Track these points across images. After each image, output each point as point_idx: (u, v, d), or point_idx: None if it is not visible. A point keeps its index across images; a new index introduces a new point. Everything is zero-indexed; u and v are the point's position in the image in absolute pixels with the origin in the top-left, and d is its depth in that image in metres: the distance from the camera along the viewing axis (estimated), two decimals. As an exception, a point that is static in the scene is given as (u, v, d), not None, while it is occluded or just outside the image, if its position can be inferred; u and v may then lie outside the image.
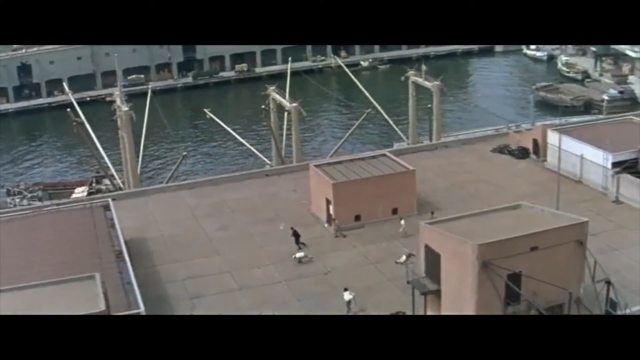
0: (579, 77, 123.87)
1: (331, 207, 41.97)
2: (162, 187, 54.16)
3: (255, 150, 74.34)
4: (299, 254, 38.50)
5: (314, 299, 35.19)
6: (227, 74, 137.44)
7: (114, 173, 70.45)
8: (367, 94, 78.66)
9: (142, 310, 30.32)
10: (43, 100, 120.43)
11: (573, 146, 45.67)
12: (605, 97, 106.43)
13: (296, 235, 40.77)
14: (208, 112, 76.93)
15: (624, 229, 39.13)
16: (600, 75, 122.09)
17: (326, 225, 42.73)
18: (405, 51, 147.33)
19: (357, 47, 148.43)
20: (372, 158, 45.91)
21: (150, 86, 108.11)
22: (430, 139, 68.38)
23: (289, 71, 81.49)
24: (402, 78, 72.86)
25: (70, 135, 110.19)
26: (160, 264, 39.50)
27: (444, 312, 30.21)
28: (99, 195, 58.98)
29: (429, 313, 30.80)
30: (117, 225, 38.99)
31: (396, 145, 79.40)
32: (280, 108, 69.35)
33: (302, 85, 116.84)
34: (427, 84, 69.06)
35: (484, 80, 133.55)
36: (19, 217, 43.07)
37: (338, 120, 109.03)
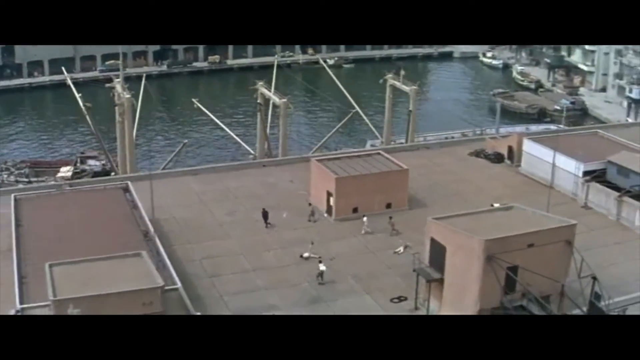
0: (532, 86, 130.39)
1: (332, 199, 45.88)
2: (167, 172, 57.00)
3: (239, 140, 77.79)
4: (306, 254, 41.78)
5: (325, 282, 39.02)
6: (200, 64, 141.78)
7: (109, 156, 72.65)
8: (346, 93, 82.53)
9: (179, 286, 33.68)
10: (24, 80, 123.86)
11: (546, 154, 50.64)
12: (558, 106, 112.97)
13: (265, 215, 44.94)
14: (196, 102, 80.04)
15: (592, 232, 44.08)
16: (553, 85, 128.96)
17: (325, 215, 46.65)
18: (369, 52, 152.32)
19: (324, 45, 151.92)
20: (367, 156, 50.03)
21: (127, 71, 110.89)
22: (407, 140, 72.65)
23: (275, 67, 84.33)
24: (381, 81, 77.07)
25: (51, 116, 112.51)
26: (176, 245, 42.68)
27: (445, 299, 34.52)
28: (107, 177, 61.49)
29: (431, 299, 35.04)
30: (140, 206, 42.16)
31: (369, 143, 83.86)
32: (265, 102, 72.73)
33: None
34: (405, 87, 73.45)
35: (443, 84, 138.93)
36: (42, 195, 45.70)
37: (313, 116, 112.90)
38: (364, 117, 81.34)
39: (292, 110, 70.81)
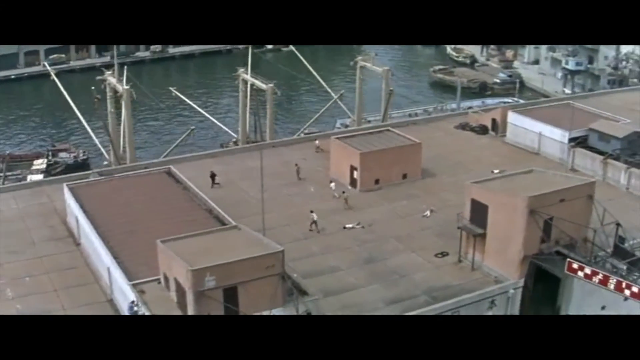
0: (467, 61, 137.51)
1: (356, 173, 50.95)
2: (185, 157, 60.25)
3: (222, 125, 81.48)
4: (349, 225, 46.56)
5: (371, 243, 44.17)
6: (143, 54, 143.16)
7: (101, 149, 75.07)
8: (316, 75, 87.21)
9: (282, 249, 37.12)
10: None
11: (531, 125, 57.23)
12: (497, 80, 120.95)
13: (213, 176, 50.49)
14: (174, 91, 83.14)
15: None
16: (487, 60, 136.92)
17: (349, 187, 51.67)
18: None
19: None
20: (379, 132, 55.29)
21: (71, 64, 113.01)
22: (383, 119, 78.00)
23: (250, 54, 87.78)
24: (352, 63, 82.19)
25: (19, 108, 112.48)
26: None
27: (488, 250, 40.32)
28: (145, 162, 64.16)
29: (478, 253, 40.73)
30: (193, 187, 46.08)
31: (339, 122, 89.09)
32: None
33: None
34: (377, 69, 78.83)
35: (379, 63, 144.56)
36: (91, 183, 48.74)
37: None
38: (334, 96, 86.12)
39: (278, 95, 74.83)
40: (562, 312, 42.04)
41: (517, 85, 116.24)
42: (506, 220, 38.90)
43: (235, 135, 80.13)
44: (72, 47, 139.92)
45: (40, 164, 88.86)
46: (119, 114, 71.38)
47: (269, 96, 72.49)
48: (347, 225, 46.20)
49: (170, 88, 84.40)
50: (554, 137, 55.40)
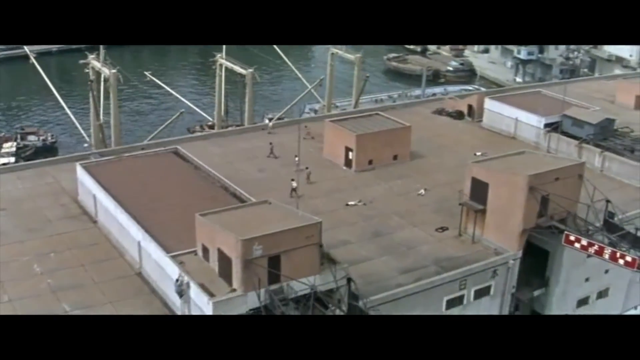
0: (419, 49, 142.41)
1: (351, 154, 54.04)
2: (180, 138, 62.05)
3: (197, 109, 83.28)
4: (351, 202, 49.57)
5: (375, 219, 47.38)
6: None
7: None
8: (289, 63, 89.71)
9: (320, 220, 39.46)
10: None
11: (508, 110, 61.41)
12: (450, 68, 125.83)
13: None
14: (149, 75, 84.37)
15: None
16: (438, 48, 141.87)
17: (344, 168, 54.73)
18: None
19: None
20: (369, 116, 58.51)
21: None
22: (355, 104, 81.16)
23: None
24: (322, 51, 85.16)
25: None
26: (237, 197, 49.24)
27: (488, 225, 44.03)
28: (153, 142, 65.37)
29: (478, 227, 44.41)
30: (205, 166, 48.37)
31: (307, 107, 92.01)
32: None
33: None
34: (350, 56, 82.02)
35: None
36: (102, 162, 50.33)
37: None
38: (305, 81, 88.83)
39: (257, 80, 77.15)
40: (551, 283, 46.25)
41: (476, 74, 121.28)
42: (506, 197, 42.62)
43: (210, 119, 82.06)
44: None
45: (9, 147, 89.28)
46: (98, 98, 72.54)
47: (248, 81, 74.72)
48: (349, 202, 49.24)
49: (146, 72, 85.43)
50: (530, 122, 59.64)
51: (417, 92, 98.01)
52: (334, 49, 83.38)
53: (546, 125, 58.72)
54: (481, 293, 42.55)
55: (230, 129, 74.64)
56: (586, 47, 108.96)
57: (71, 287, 39.51)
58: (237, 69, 76.40)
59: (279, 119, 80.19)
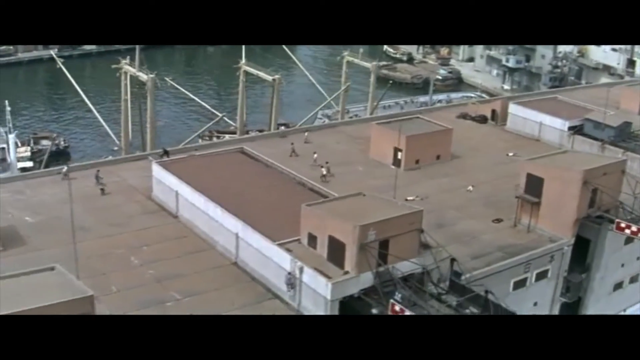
0: (405, 58, 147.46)
1: (400, 154, 58.44)
2: (226, 141, 65.38)
3: (218, 113, 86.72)
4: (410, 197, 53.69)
5: (434, 212, 50.99)
6: (89, 47, 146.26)
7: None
8: (300, 66, 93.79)
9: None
10: None
11: (531, 114, 66.66)
12: (439, 76, 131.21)
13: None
14: (169, 80, 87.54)
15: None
16: (424, 57, 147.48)
17: (392, 167, 59.07)
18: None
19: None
20: (410, 119, 63.00)
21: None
22: (371, 112, 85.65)
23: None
24: (338, 58, 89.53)
25: None
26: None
27: (542, 216, 48.83)
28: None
29: (532, 218, 49.17)
30: (276, 164, 52.20)
31: (321, 113, 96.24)
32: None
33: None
34: (366, 64, 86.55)
35: (325, 61, 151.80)
36: (176, 160, 53.64)
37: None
38: (318, 87, 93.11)
39: (283, 86, 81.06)
40: (592, 269, 51.28)
41: (463, 82, 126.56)
42: (561, 190, 47.49)
43: (233, 124, 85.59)
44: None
45: (24, 151, 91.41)
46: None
47: (276, 87, 78.56)
48: (408, 198, 53.53)
49: (166, 78, 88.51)
50: (555, 125, 64.89)
51: (422, 99, 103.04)
52: (349, 57, 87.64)
53: (570, 128, 63.96)
54: (540, 276, 47.32)
55: (253, 134, 78.47)
56: (574, 55, 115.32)
57: (173, 276, 42.60)
58: (263, 75, 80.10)
59: (287, 126, 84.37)
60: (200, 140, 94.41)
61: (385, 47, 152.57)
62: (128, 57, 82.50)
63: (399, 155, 58.45)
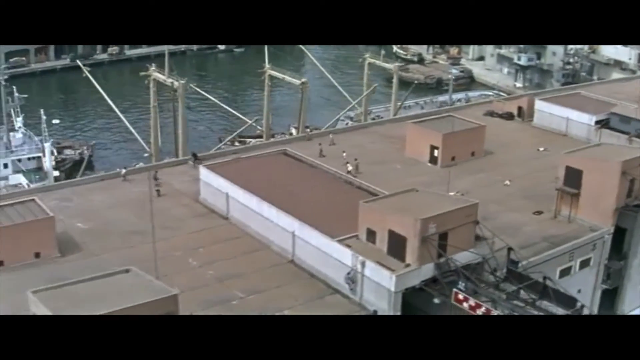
0: (415, 59, 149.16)
1: (436, 151, 60.21)
2: (254, 145, 66.95)
3: (245, 118, 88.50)
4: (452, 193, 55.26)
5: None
6: (101, 56, 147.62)
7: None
8: (322, 68, 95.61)
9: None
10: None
11: (558, 110, 68.48)
12: (451, 76, 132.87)
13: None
14: (194, 87, 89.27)
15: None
16: (434, 57, 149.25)
17: (429, 164, 60.85)
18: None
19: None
20: (442, 118, 64.81)
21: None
22: (394, 113, 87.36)
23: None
24: (360, 60, 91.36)
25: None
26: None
27: (582, 206, 50.58)
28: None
29: (572, 209, 50.93)
30: (323, 165, 53.92)
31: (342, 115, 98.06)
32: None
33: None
34: (388, 65, 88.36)
35: (334, 63, 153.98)
36: (222, 163, 55.30)
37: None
38: (340, 89, 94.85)
39: (309, 89, 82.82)
40: (629, 256, 53.02)
41: (475, 81, 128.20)
42: (600, 181, 49.29)
43: (260, 128, 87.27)
44: (32, 50, 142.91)
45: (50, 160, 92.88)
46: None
47: (304, 92, 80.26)
48: (450, 193, 55.20)
49: (191, 85, 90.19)
50: (582, 120, 66.72)
51: (441, 98, 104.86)
52: (371, 59, 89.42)
53: (596, 122, 65.77)
54: (584, 264, 49.10)
55: (279, 137, 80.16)
56: (585, 51, 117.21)
57: (233, 276, 44.15)
58: (289, 79, 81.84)
59: (310, 128, 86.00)
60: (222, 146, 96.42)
61: (395, 48, 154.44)
62: (153, 64, 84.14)
63: (436, 152, 60.20)
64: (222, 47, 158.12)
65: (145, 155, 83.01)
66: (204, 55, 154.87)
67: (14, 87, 77.83)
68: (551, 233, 49.82)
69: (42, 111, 76.25)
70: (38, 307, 33.46)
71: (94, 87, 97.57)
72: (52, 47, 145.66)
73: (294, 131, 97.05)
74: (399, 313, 39.46)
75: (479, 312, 37.07)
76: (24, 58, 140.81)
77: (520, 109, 72.46)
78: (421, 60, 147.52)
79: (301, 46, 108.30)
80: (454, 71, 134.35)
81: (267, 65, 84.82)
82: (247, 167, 54.59)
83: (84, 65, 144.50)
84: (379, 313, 39.74)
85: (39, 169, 73.57)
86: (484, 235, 42.47)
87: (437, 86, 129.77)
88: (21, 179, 71.25)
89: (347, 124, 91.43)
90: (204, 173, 53.55)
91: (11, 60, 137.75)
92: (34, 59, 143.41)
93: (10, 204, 48.82)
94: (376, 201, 42.71)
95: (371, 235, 42.05)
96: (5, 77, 71.16)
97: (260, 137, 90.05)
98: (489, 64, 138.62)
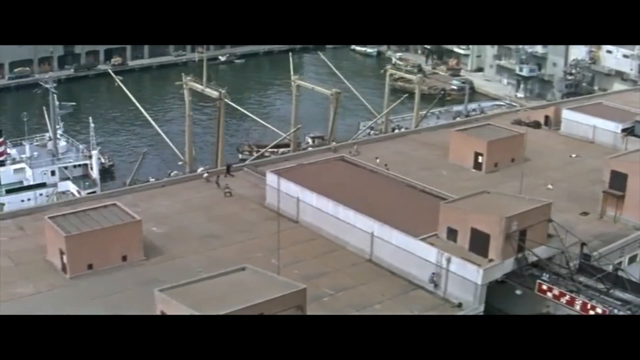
0: (415, 70, 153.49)
1: (481, 157, 64.16)
2: (282, 156, 70.43)
3: (275, 129, 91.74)
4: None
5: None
6: (104, 66, 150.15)
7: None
8: (343, 79, 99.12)
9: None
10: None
11: (584, 119, 73.00)
12: (454, 87, 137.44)
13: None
14: (227, 100, 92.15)
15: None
16: (433, 69, 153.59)
17: (473, 170, 64.77)
18: (252, 47, 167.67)
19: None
20: (480, 126, 68.87)
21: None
22: (415, 125, 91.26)
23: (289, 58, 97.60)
24: (382, 71, 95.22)
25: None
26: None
27: (627, 208, 54.78)
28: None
29: (617, 210, 55.13)
30: (383, 169, 57.56)
31: (362, 124, 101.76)
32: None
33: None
34: (411, 76, 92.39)
35: (335, 75, 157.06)
36: (288, 169, 58.39)
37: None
38: (362, 99, 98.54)
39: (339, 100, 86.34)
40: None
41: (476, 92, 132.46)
42: (644, 184, 53.58)
43: (287, 137, 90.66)
44: (35, 60, 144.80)
45: None
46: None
47: (336, 102, 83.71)
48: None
49: (223, 99, 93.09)
50: (608, 128, 71.22)
51: (456, 108, 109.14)
52: (392, 70, 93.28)
53: (622, 130, 70.32)
54: (632, 260, 53.22)
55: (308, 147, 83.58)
56: (586, 62, 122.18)
57: (319, 274, 47.17)
58: (319, 89, 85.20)
59: (322, 138, 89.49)
60: (240, 155, 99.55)
61: (394, 60, 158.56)
62: (183, 73, 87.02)
63: (480, 159, 64.10)
64: (222, 58, 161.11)
65: (180, 163, 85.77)
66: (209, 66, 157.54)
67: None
68: (600, 231, 53.91)
69: (90, 119, 78.58)
70: (170, 306, 35.39)
71: (99, 97, 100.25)
72: (55, 58, 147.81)
73: (310, 140, 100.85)
74: (483, 305, 43.08)
75: (563, 300, 40.84)
76: (28, 68, 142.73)
77: (547, 117, 76.76)
78: (420, 72, 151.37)
79: (321, 55, 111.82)
80: (455, 82, 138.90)
81: (292, 75, 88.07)
82: (310, 172, 57.76)
83: (87, 76, 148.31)
84: (464, 306, 43.26)
85: (85, 176, 75.92)
86: (557, 233, 46.24)
87: (441, 97, 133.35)
88: (70, 186, 73.41)
89: (369, 133, 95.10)
90: (271, 178, 56.66)
91: (15, 70, 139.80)
92: (38, 69, 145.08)
93: (93, 208, 51.31)
94: (456, 202, 46.32)
95: (452, 233, 45.66)
96: (55, 84, 73.02)
97: (279, 147, 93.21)
98: (489, 75, 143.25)
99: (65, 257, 46.08)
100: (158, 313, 36.26)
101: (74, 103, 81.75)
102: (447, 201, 46.63)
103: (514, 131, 67.45)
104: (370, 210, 50.41)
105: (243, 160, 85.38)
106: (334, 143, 76.93)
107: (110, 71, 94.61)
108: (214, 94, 77.44)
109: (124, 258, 47.98)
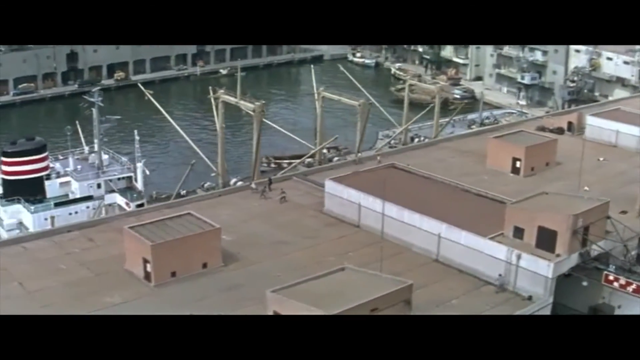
0: (415, 80, 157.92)
1: (519, 163, 68.24)
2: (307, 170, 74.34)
3: (301, 140, 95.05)
4: None
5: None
6: (107, 81, 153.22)
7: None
8: (362, 88, 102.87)
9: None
10: None
11: (608, 124, 77.49)
12: (457, 96, 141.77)
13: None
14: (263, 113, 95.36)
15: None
16: (433, 78, 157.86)
17: (511, 174, 68.84)
18: (252, 60, 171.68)
19: (212, 57, 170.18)
20: (515, 133, 73.06)
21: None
22: (435, 134, 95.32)
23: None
24: (401, 81, 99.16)
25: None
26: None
27: (667, 212, 59.10)
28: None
29: (655, 215, 59.46)
30: (436, 175, 61.35)
31: (380, 134, 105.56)
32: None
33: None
34: (431, 87, 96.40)
35: (336, 86, 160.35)
36: (342, 177, 61.76)
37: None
38: (383, 111, 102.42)
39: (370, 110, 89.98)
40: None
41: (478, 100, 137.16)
42: (691, 184, 57.93)
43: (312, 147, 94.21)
44: (40, 76, 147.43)
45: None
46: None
47: (364, 112, 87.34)
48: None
49: (250, 112, 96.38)
50: (631, 132, 75.73)
51: (470, 116, 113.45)
52: (411, 80, 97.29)
53: (645, 134, 75.06)
54: (672, 253, 57.44)
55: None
56: (587, 69, 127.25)
57: (392, 274, 49.19)
58: (345, 100, 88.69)
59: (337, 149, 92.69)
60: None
61: (393, 70, 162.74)
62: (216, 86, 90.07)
63: (517, 164, 68.16)
64: (224, 71, 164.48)
65: (212, 174, 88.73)
66: (207, 80, 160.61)
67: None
68: (640, 228, 58.07)
69: (135, 132, 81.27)
70: (285, 305, 38.20)
71: (108, 111, 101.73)
72: (59, 74, 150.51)
73: (325, 151, 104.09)
74: (552, 297, 46.89)
75: (629, 289, 44.85)
76: (32, 84, 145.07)
77: (570, 123, 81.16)
78: (421, 81, 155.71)
79: (340, 67, 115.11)
80: (457, 91, 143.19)
81: (314, 85, 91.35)
82: (366, 179, 61.12)
83: (89, 91, 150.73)
84: (533, 298, 47.05)
85: (129, 188, 78.58)
86: (615, 228, 50.30)
87: (444, 106, 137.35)
88: (117, 198, 75.94)
89: (389, 143, 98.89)
90: (330, 185, 60.01)
91: (20, 86, 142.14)
92: (42, 85, 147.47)
93: (169, 217, 53.99)
94: (520, 203, 50.25)
95: (518, 232, 49.47)
96: (100, 98, 75.75)
97: (295, 158, 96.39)
98: (488, 84, 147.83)
99: (149, 266, 48.25)
100: (270, 313, 39.00)
101: (119, 117, 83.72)
102: (513, 202, 50.43)
103: (547, 137, 71.63)
104: (432, 212, 53.84)
105: (262, 172, 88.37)
106: (359, 154, 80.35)
107: (140, 85, 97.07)
108: (249, 106, 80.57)
109: (205, 265, 50.28)
